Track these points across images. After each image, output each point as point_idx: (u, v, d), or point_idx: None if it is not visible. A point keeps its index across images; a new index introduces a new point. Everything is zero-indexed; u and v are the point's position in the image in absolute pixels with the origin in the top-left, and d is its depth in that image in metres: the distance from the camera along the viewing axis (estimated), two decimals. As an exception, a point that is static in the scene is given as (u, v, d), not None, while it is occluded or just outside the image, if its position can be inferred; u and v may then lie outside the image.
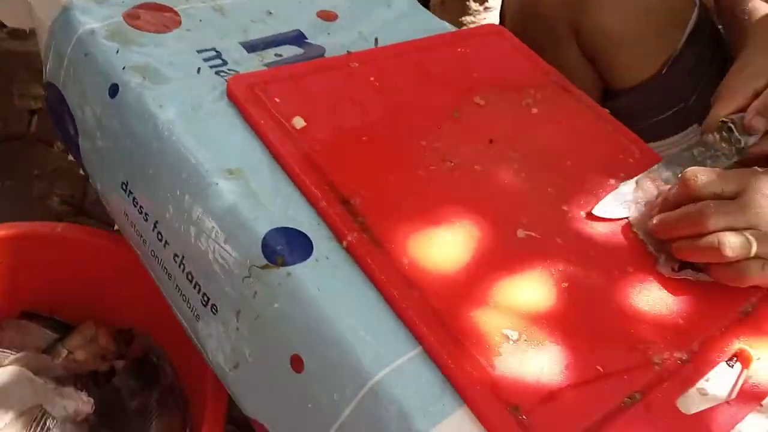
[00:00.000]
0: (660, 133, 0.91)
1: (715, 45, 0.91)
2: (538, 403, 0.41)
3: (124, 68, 0.57)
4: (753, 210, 0.49)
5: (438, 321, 0.43)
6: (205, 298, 0.51)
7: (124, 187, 0.57)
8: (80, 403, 0.63)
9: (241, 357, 0.48)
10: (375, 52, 0.65)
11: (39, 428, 0.58)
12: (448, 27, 0.74)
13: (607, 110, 0.69)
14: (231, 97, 0.56)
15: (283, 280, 0.46)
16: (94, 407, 0.63)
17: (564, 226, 0.53)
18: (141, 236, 0.56)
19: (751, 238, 0.48)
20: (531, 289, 0.47)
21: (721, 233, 0.48)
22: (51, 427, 0.59)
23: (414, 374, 0.42)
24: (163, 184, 0.53)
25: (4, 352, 0.67)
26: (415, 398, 0.40)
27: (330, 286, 0.45)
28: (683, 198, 0.51)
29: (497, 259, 0.49)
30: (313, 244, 0.47)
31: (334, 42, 0.67)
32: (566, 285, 0.48)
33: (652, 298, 0.49)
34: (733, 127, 0.59)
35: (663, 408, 0.43)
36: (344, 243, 0.47)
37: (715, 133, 0.61)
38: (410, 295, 0.44)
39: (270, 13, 0.69)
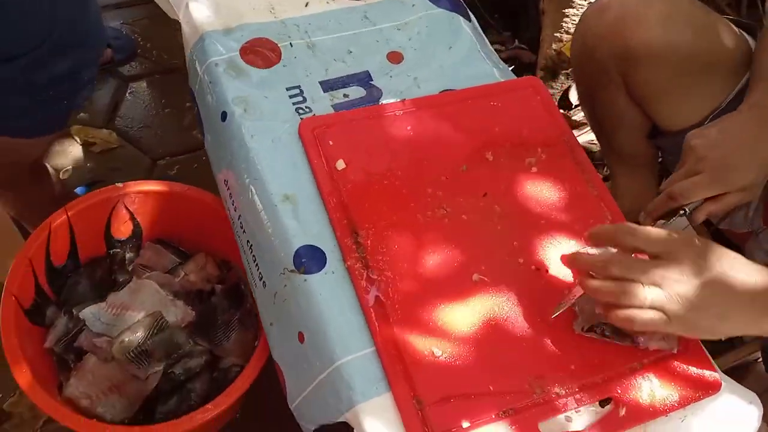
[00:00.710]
0: None
1: None
2: (436, 401, 0.63)
3: (232, 100, 0.81)
4: (660, 272, 0.60)
5: (390, 332, 0.66)
6: (260, 275, 0.76)
7: (223, 174, 0.82)
8: (186, 313, 0.93)
9: (274, 321, 0.74)
10: (418, 102, 0.83)
11: (157, 327, 0.89)
12: (496, 75, 0.89)
13: (656, 147, 0.80)
14: (300, 135, 0.78)
15: (301, 282, 0.69)
16: (194, 317, 0.93)
17: (513, 275, 0.71)
18: (230, 214, 0.82)
19: (649, 291, 0.59)
20: (464, 321, 0.67)
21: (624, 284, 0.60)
22: (164, 327, 0.90)
23: (364, 364, 0.65)
24: (246, 191, 0.77)
25: (144, 268, 0.98)
26: (360, 379, 0.64)
27: (330, 292, 0.68)
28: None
29: (449, 295, 0.69)
30: (327, 261, 0.70)
31: (392, 85, 0.85)
32: (493, 323, 0.68)
33: (559, 345, 0.68)
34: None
35: (527, 424, 0.63)
36: (347, 264, 0.70)
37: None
38: (375, 310, 0.67)
39: (350, 51, 0.88)
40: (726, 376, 0.71)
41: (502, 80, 0.89)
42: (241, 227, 0.79)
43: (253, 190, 0.76)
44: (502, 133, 0.82)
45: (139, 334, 0.88)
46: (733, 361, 1.09)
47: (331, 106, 0.82)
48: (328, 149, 0.77)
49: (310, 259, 0.70)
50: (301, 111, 0.81)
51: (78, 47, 0.86)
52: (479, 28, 0.99)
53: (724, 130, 0.78)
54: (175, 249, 1.03)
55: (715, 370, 0.69)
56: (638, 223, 0.76)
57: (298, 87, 0.84)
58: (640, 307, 0.60)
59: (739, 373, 1.07)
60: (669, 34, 0.89)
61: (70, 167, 1.35)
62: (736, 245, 1.06)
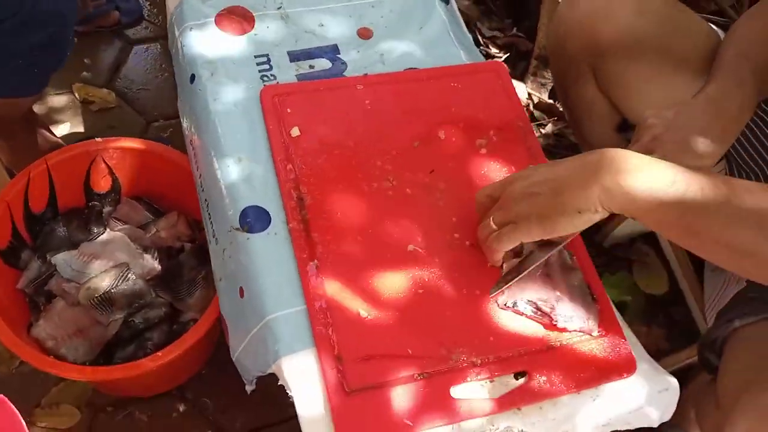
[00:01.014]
0: None
1: None
2: (355, 359, 0.66)
3: (201, 63, 0.84)
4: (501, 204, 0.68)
5: (321, 292, 0.69)
6: (213, 232, 0.80)
7: (189, 134, 0.86)
8: (152, 267, 0.97)
9: (222, 276, 0.78)
10: (380, 77, 0.86)
11: (122, 277, 0.94)
12: (463, 58, 0.91)
13: (625, 140, 0.82)
14: (261, 101, 0.81)
15: (244, 240, 0.73)
16: (160, 272, 0.98)
17: (446, 249, 0.74)
18: (194, 173, 0.86)
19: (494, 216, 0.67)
20: (393, 288, 0.71)
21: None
22: (130, 278, 0.94)
23: (293, 320, 0.68)
24: (206, 151, 0.81)
25: (118, 222, 1.03)
26: (287, 334, 0.68)
27: (269, 251, 0.72)
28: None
29: (383, 262, 0.72)
30: (272, 222, 0.74)
31: (357, 60, 0.88)
32: (421, 291, 0.71)
33: (480, 318, 0.71)
34: None
35: (439, 388, 0.66)
36: (289, 226, 0.73)
37: None
38: (310, 271, 0.70)
39: (322, 25, 0.91)
40: (650, 360, 0.74)
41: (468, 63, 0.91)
42: (201, 186, 0.83)
43: (212, 151, 0.80)
44: (457, 113, 0.85)
45: (105, 283, 0.93)
46: (686, 359, 1.11)
47: (295, 75, 0.86)
48: (286, 116, 0.80)
49: (255, 219, 0.74)
50: (265, 78, 0.85)
51: (46, 23, 0.90)
52: (457, 12, 1.01)
53: (680, 114, 0.80)
54: (150, 206, 1.07)
55: (631, 353, 0.72)
56: None
57: (266, 55, 0.87)
58: (491, 232, 0.68)
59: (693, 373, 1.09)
60: (636, 28, 0.91)
61: (68, 123, 1.41)
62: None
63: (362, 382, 0.65)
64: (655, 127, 0.80)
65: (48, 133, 1.21)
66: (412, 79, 0.87)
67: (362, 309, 0.69)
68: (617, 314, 0.75)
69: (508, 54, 1.54)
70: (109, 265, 0.95)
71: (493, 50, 1.54)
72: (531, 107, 1.48)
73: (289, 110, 0.81)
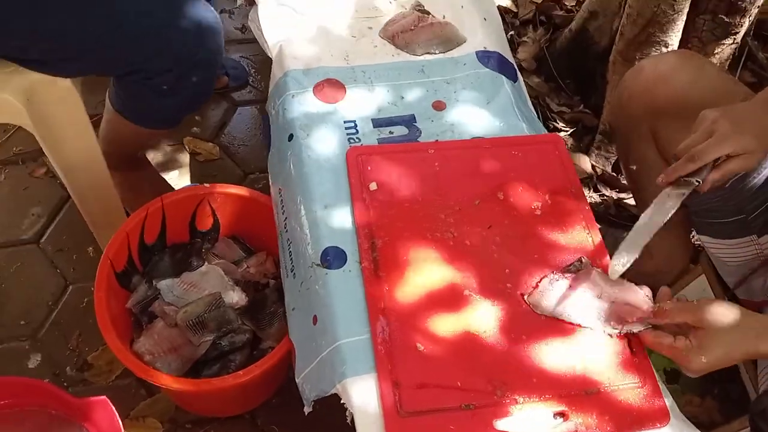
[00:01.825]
0: (718, 232, 1.07)
1: None
2: (411, 386, 0.75)
3: (299, 125, 0.99)
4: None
5: (385, 323, 0.80)
6: (292, 267, 0.93)
7: (277, 185, 1.00)
8: (240, 298, 1.11)
9: (296, 306, 0.90)
10: (449, 144, 0.98)
11: (215, 305, 1.07)
12: (525, 130, 1.02)
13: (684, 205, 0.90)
14: (346, 159, 0.95)
15: (323, 275, 0.85)
16: (247, 302, 1.11)
17: (499, 297, 0.83)
18: (277, 218, 0.99)
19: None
20: (448, 326, 0.80)
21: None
22: (220, 306, 1.08)
23: (359, 347, 0.79)
24: (294, 199, 0.95)
25: (216, 257, 1.18)
26: (353, 358, 0.78)
27: (344, 285, 0.84)
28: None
29: (441, 302, 0.82)
30: (347, 260, 0.86)
31: (431, 129, 1.01)
32: (473, 331, 0.80)
33: (527, 361, 0.79)
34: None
35: (483, 420, 0.74)
36: (362, 265, 0.85)
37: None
38: (376, 305, 0.81)
39: (402, 97, 1.05)
40: (682, 416, 0.79)
41: (529, 134, 1.02)
42: (285, 227, 0.97)
43: (301, 199, 0.93)
44: (516, 177, 0.95)
45: (199, 308, 1.07)
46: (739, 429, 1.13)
47: (377, 139, 0.99)
48: (366, 173, 0.93)
49: (334, 257, 0.86)
50: (352, 140, 0.98)
51: (209, 67, 1.08)
52: (523, 89, 1.13)
53: (734, 108, 0.88)
54: (243, 245, 1.22)
55: (665, 405, 0.78)
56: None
57: (354, 121, 1.01)
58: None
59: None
60: (691, 94, 1.00)
61: (177, 171, 1.60)
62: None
63: (415, 407, 0.74)
64: (713, 113, 0.87)
65: (156, 175, 1.40)
66: (477, 146, 0.98)
67: (419, 342, 0.79)
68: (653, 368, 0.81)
69: (574, 129, 1.64)
70: (204, 293, 1.09)
71: (561, 125, 1.65)
72: (595, 179, 1.56)
73: (369, 168, 0.94)
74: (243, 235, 1.23)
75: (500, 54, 1.12)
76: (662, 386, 0.80)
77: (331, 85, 1.05)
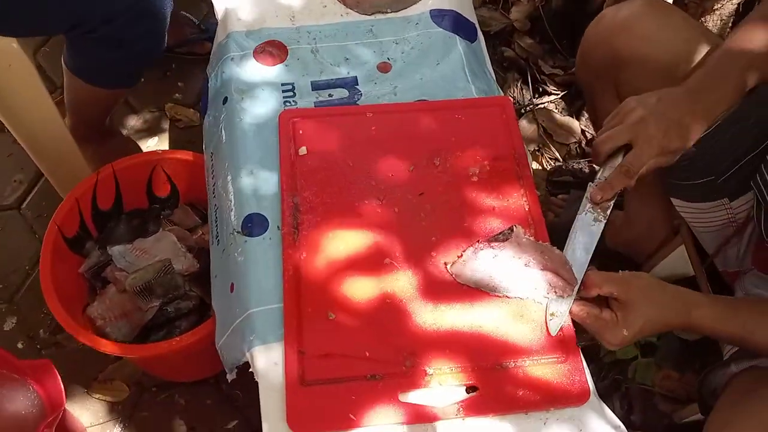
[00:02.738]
0: (689, 195, 1.00)
1: (761, 134, 0.95)
2: (316, 355, 0.73)
3: (234, 88, 0.96)
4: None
5: (296, 292, 0.77)
6: (216, 234, 0.91)
7: (210, 153, 0.98)
8: (191, 264, 1.10)
9: (218, 273, 0.89)
10: (389, 107, 0.94)
11: (164, 271, 1.07)
12: (473, 93, 0.97)
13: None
14: (279, 123, 0.92)
15: (242, 242, 0.83)
16: (197, 269, 1.10)
17: (421, 266, 0.80)
18: (207, 182, 0.97)
19: None
20: (363, 295, 0.78)
21: None
22: (169, 272, 1.07)
23: (270, 316, 0.77)
24: (223, 163, 0.92)
25: (171, 223, 1.17)
26: (263, 327, 0.76)
27: (262, 254, 0.82)
28: None
29: (358, 270, 0.79)
30: (269, 228, 0.84)
31: (373, 91, 0.97)
32: (389, 301, 0.77)
33: (440, 332, 0.75)
34: None
35: (388, 390, 0.72)
36: (282, 232, 0.82)
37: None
38: (292, 275, 0.79)
39: (347, 59, 1.01)
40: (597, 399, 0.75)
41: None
42: (213, 193, 0.95)
43: (228, 164, 0.91)
44: (456, 142, 0.90)
45: (148, 274, 1.07)
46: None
47: (314, 102, 0.96)
48: (297, 137, 0.90)
49: (255, 224, 0.84)
50: (288, 104, 0.95)
51: (153, 17, 1.06)
52: (482, 51, 1.07)
53: (661, 102, 0.83)
54: (200, 212, 1.21)
55: (587, 384, 0.73)
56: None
57: (292, 84, 0.98)
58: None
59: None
60: (654, 41, 0.94)
61: (157, 138, 1.60)
62: (729, 286, 1.05)
63: (318, 376, 0.73)
64: (639, 110, 0.82)
65: (128, 145, 1.40)
66: (419, 109, 0.94)
67: (330, 310, 0.77)
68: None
69: (566, 91, 1.57)
70: (155, 259, 1.09)
71: (551, 87, 1.57)
72: (584, 144, 1.49)
73: (301, 132, 0.91)
74: (201, 203, 1.22)
75: (457, 13, 1.06)
76: (585, 363, 0.75)
77: (272, 47, 1.01)
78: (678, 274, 1.28)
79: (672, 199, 1.04)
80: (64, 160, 1.25)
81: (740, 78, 0.81)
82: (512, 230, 0.81)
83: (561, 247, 0.81)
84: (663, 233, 1.24)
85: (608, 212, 0.83)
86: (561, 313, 0.76)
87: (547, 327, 0.76)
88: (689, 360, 1.24)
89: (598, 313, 0.75)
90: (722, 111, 0.82)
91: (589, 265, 0.79)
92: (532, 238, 0.81)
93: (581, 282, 0.77)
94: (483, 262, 0.79)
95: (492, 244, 0.80)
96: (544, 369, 0.74)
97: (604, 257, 1.30)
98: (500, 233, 0.81)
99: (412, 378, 0.73)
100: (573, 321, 0.77)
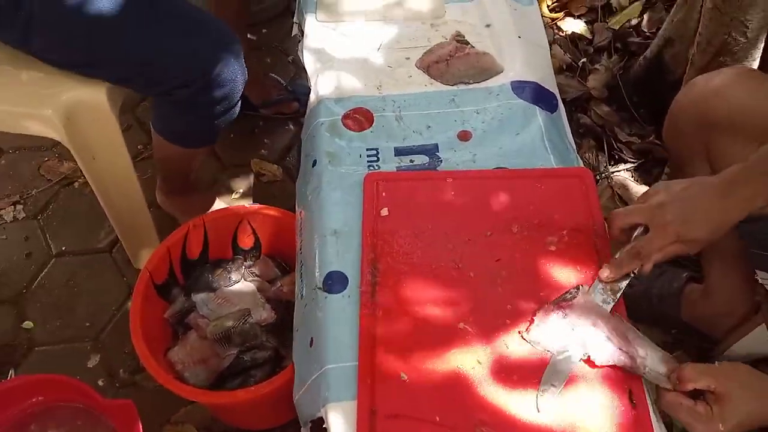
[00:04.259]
0: None
1: None
2: (387, 415, 0.75)
3: (323, 152, 1.02)
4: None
5: (371, 351, 0.79)
6: (301, 289, 0.95)
7: (299, 209, 1.03)
8: (269, 315, 1.15)
9: (299, 326, 0.92)
10: (468, 173, 0.96)
11: (243, 320, 1.11)
12: (552, 163, 0.99)
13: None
14: (363, 185, 0.96)
15: (323, 299, 0.87)
16: (274, 320, 1.14)
17: (495, 333, 0.81)
18: (297, 240, 1.02)
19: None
20: (436, 359, 0.79)
21: None
22: (249, 322, 1.12)
23: (345, 373, 0.79)
24: (309, 223, 0.97)
25: (252, 274, 1.23)
26: (337, 384, 0.79)
27: (341, 311, 0.85)
28: None
29: (433, 333, 0.81)
30: (349, 285, 0.87)
31: (453, 158, 1.00)
32: (461, 367, 0.78)
33: (510, 402, 0.75)
34: None
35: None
36: (360, 290, 0.85)
37: None
38: (368, 333, 0.81)
39: (429, 126, 1.05)
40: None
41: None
42: (300, 250, 0.99)
43: (315, 223, 0.95)
44: (534, 210, 0.92)
45: (228, 322, 1.12)
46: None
47: (396, 167, 1.00)
48: (380, 198, 0.94)
49: (335, 282, 0.88)
50: (371, 168, 1.00)
51: (226, 84, 1.15)
52: (562, 121, 1.09)
53: (688, 189, 0.82)
54: (280, 264, 1.26)
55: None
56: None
57: (376, 149, 1.02)
58: None
59: None
60: (747, 107, 0.94)
61: (241, 190, 1.69)
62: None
63: (389, 437, 0.74)
64: (662, 195, 0.82)
65: (211, 199, 1.49)
66: (498, 176, 0.96)
67: (404, 372, 0.78)
68: (653, 418, 0.75)
69: (642, 160, 1.56)
70: (235, 308, 1.14)
71: (627, 155, 1.57)
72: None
73: (384, 194, 0.95)
74: (282, 255, 1.27)
75: (538, 84, 1.09)
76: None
77: (359, 114, 1.07)
78: (757, 353, 1.22)
79: (757, 271, 1.01)
80: (135, 222, 1.35)
81: None
82: (578, 289, 0.82)
83: (632, 318, 0.80)
84: (743, 309, 1.20)
85: (618, 296, 0.82)
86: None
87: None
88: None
89: (692, 405, 0.72)
90: (757, 206, 0.80)
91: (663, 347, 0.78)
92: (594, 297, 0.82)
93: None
94: (553, 325, 0.79)
95: (561, 304, 0.80)
96: (616, 443, 0.73)
97: (680, 332, 1.28)
98: (567, 292, 0.82)
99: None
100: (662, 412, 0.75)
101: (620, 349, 0.76)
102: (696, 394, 0.74)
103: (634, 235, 0.83)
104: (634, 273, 0.82)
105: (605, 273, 0.82)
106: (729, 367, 0.75)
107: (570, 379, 0.77)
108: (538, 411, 0.75)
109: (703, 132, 1.01)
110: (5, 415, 1.07)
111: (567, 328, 0.79)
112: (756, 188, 0.79)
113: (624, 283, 0.82)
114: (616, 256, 0.83)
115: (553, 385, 0.76)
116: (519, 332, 0.81)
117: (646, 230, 0.82)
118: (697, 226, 0.79)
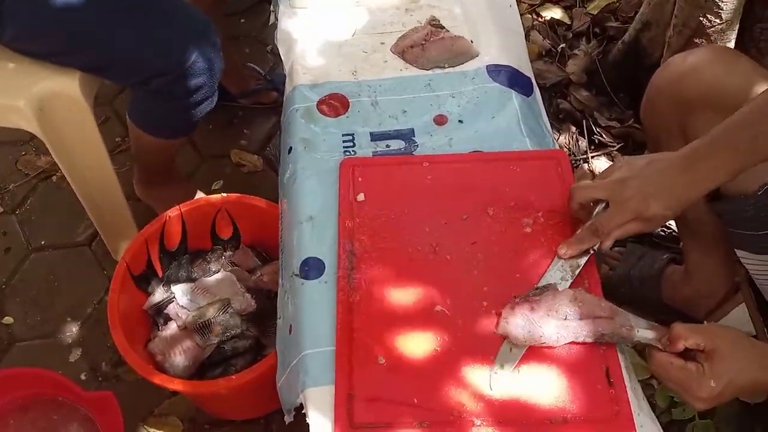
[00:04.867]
0: (754, 247, 0.98)
1: None
2: (365, 399, 0.75)
3: (298, 138, 1.01)
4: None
5: (348, 336, 0.79)
6: (282, 276, 0.94)
7: (281, 200, 1.03)
8: (248, 304, 1.14)
9: (281, 314, 0.92)
10: (444, 157, 0.96)
11: (222, 310, 1.11)
12: (528, 146, 0.99)
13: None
14: (339, 171, 0.96)
15: (299, 285, 0.86)
16: (254, 309, 1.14)
17: (472, 315, 0.81)
18: (280, 230, 1.02)
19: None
20: (413, 342, 0.79)
21: None
22: (229, 312, 1.11)
23: (322, 358, 0.79)
24: (287, 211, 0.97)
25: (232, 264, 1.22)
26: (315, 369, 0.79)
27: (318, 296, 0.85)
28: None
29: (410, 317, 0.81)
30: (325, 271, 0.87)
31: (429, 143, 1.00)
32: (438, 350, 0.78)
33: (490, 384, 0.76)
34: None
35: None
36: (337, 275, 0.85)
37: None
38: (345, 318, 0.81)
39: (405, 111, 1.05)
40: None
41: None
42: (281, 239, 0.99)
43: (292, 211, 0.95)
44: (510, 193, 0.92)
45: (208, 312, 1.11)
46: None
47: (372, 152, 0.99)
48: (356, 184, 0.94)
49: (312, 268, 0.87)
50: (347, 153, 0.99)
51: (203, 73, 1.14)
52: (537, 105, 1.09)
53: (651, 165, 0.81)
54: (260, 254, 1.25)
55: (638, 442, 0.72)
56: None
57: (352, 135, 1.02)
58: None
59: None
60: (723, 86, 0.93)
61: (221, 181, 1.67)
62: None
63: (366, 420, 0.74)
64: (623, 170, 0.81)
65: (191, 189, 1.48)
66: (474, 159, 0.96)
67: (381, 355, 0.78)
68: (633, 398, 0.75)
69: (622, 144, 1.56)
70: (215, 298, 1.13)
71: (607, 139, 1.57)
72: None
73: (359, 179, 0.94)
74: (262, 245, 1.27)
75: (513, 68, 1.09)
76: (642, 418, 0.74)
77: (335, 100, 1.06)
78: (746, 331, 1.23)
79: (737, 251, 1.02)
80: (113, 215, 1.34)
81: (747, 147, 0.78)
82: (548, 287, 0.81)
83: (613, 301, 0.80)
84: (723, 290, 1.21)
85: (576, 272, 0.82)
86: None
87: None
88: (750, 424, 1.18)
89: (683, 363, 0.72)
90: (720, 181, 0.79)
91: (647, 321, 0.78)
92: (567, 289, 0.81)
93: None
94: (522, 319, 0.78)
95: (528, 299, 0.80)
96: (595, 427, 0.73)
97: (661, 314, 1.29)
98: (536, 288, 0.82)
99: (459, 428, 0.73)
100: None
101: (592, 320, 0.76)
102: (685, 358, 0.73)
103: (595, 212, 0.83)
104: (593, 250, 0.82)
105: (563, 250, 0.83)
106: (717, 326, 0.76)
107: (545, 359, 0.77)
108: (491, 389, 0.75)
109: (679, 111, 1.01)
110: (-16, 410, 1.06)
111: (534, 322, 0.78)
112: (718, 162, 0.78)
113: (583, 260, 0.83)
114: (577, 233, 0.84)
115: (503, 366, 0.76)
116: (496, 312, 0.81)
117: (608, 206, 0.82)
118: (657, 203, 0.79)
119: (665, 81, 1.03)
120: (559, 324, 0.76)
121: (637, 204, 0.79)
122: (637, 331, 0.76)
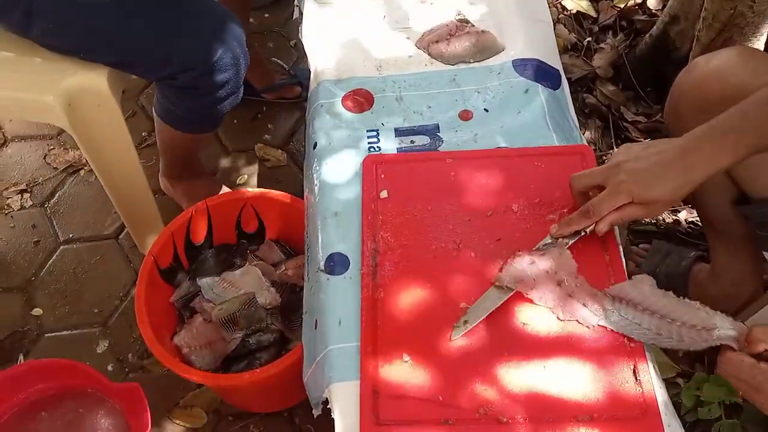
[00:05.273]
0: None
1: None
2: (390, 396, 0.75)
3: (323, 134, 1.02)
4: None
5: (373, 332, 0.80)
6: (308, 272, 0.95)
7: (305, 192, 1.03)
8: (274, 298, 1.15)
9: (307, 309, 0.92)
10: (468, 153, 0.96)
11: (248, 304, 1.12)
12: (554, 141, 0.98)
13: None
14: (363, 168, 0.96)
15: (325, 281, 0.87)
16: (279, 303, 1.15)
17: (496, 312, 0.80)
18: (305, 225, 1.02)
19: None
20: (439, 340, 0.79)
21: None
22: (253, 305, 1.12)
23: (348, 354, 0.80)
24: (312, 206, 0.97)
25: (257, 258, 1.23)
26: (340, 364, 0.79)
27: (343, 292, 0.85)
28: None
29: (434, 314, 0.81)
30: (350, 267, 0.87)
31: (453, 138, 0.99)
32: (464, 348, 0.78)
33: (513, 381, 0.75)
34: None
35: (461, 434, 0.72)
36: (361, 271, 0.85)
37: None
38: (369, 314, 0.81)
39: (429, 107, 1.04)
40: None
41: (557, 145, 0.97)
42: (307, 233, 0.99)
43: (317, 206, 0.95)
44: (535, 189, 0.91)
45: (233, 306, 1.12)
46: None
47: (397, 148, 0.99)
48: (380, 180, 0.94)
49: (337, 263, 0.88)
50: (372, 149, 0.99)
51: (228, 69, 1.14)
52: (565, 99, 1.08)
53: (647, 149, 0.80)
54: (284, 248, 1.26)
55: (664, 441, 0.71)
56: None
57: (377, 130, 1.02)
58: None
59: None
60: (747, 89, 0.90)
61: (246, 175, 1.69)
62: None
63: (392, 417, 0.74)
64: (621, 155, 0.81)
65: (215, 184, 1.49)
66: (498, 155, 0.96)
67: (406, 353, 0.78)
68: (660, 397, 0.74)
69: (649, 138, 1.54)
70: (240, 292, 1.14)
71: (634, 134, 1.55)
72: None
73: (383, 176, 0.94)
74: (286, 239, 1.27)
75: (540, 61, 1.08)
76: (668, 418, 0.73)
77: (359, 95, 1.06)
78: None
79: (764, 253, 1.00)
80: (140, 208, 1.35)
81: (745, 136, 0.77)
82: (555, 242, 0.83)
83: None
84: (751, 289, 1.19)
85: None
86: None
87: None
88: (782, 424, 1.16)
89: (754, 362, 0.71)
90: (718, 169, 0.78)
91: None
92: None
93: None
94: (520, 265, 0.81)
95: (533, 252, 0.81)
96: (622, 426, 0.72)
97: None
98: (543, 243, 0.83)
99: (485, 426, 0.73)
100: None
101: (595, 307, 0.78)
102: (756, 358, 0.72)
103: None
104: (585, 232, 0.83)
105: (554, 229, 0.84)
106: None
107: (572, 356, 0.77)
108: (450, 340, 0.78)
109: (702, 114, 0.98)
110: (16, 400, 1.09)
111: (530, 274, 0.80)
112: (719, 147, 0.77)
113: (571, 241, 0.83)
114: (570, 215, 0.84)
115: (466, 322, 0.78)
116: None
117: None
118: (653, 186, 0.77)
119: (688, 84, 1.01)
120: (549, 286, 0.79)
121: (629, 186, 0.78)
122: (719, 331, 0.75)
